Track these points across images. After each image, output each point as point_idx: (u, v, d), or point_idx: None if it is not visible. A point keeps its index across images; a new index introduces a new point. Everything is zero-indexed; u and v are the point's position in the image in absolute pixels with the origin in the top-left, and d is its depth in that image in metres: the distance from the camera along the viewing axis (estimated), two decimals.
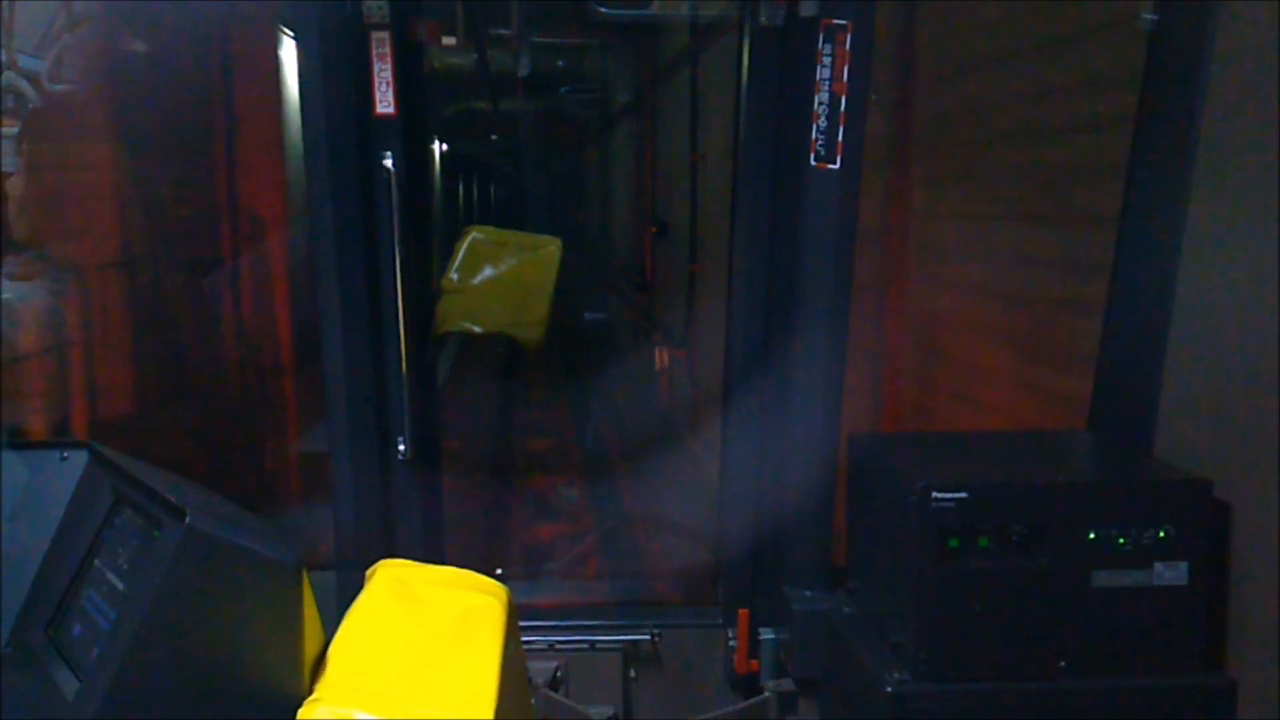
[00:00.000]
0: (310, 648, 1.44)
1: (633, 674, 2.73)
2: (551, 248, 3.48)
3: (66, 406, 3.38)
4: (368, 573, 1.70)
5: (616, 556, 4.83)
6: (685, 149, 5.99)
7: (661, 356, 6.67)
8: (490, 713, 1.41)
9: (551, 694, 2.62)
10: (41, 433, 3.21)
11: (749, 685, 2.71)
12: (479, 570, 1.76)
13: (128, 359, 3.66)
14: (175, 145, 3.77)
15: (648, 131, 8.39)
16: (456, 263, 3.34)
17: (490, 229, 3.49)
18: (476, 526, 5.07)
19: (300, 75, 2.35)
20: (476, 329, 3.33)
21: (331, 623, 1.52)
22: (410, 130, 2.47)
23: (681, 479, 5.00)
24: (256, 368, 3.81)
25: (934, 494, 1.92)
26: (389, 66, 2.38)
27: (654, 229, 7.78)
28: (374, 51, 2.36)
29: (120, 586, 1.36)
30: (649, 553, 4.75)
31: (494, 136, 12.37)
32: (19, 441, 1.63)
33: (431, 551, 2.72)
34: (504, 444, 7.21)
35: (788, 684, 2.63)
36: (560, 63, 8.89)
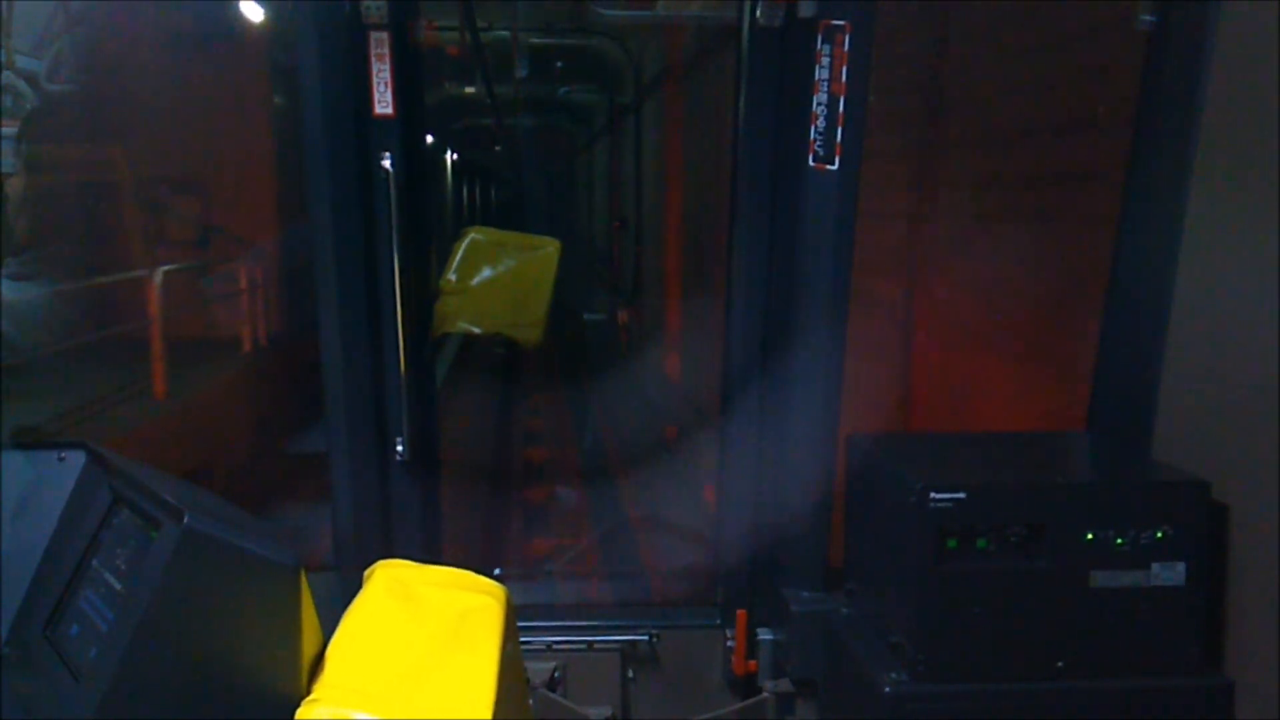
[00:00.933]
0: (308, 648, 1.43)
1: (631, 674, 2.72)
2: (550, 248, 3.47)
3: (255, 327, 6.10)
4: (366, 573, 1.70)
5: (615, 557, 4.82)
6: (635, 162, 9.15)
7: (621, 315, 9.68)
8: (488, 713, 1.41)
9: (549, 694, 2.62)
10: (247, 339, 6.13)
11: (747, 686, 2.71)
12: (477, 570, 1.76)
13: (283, 300, 6.35)
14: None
15: (616, 145, 10.65)
16: (455, 263, 3.33)
17: (489, 230, 3.48)
18: (475, 526, 5.07)
19: (299, 75, 2.35)
20: (475, 329, 3.32)
21: (330, 623, 1.52)
22: (409, 131, 2.47)
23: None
24: None
25: (932, 494, 1.92)
26: (388, 67, 2.38)
27: (618, 224, 10.48)
28: (372, 52, 2.36)
29: (118, 587, 1.35)
30: (648, 553, 4.74)
31: (497, 148, 13.03)
32: (18, 441, 1.63)
33: (430, 552, 2.72)
34: (502, 443, 7.21)
35: (785, 684, 2.63)
36: (559, 64, 9.04)
